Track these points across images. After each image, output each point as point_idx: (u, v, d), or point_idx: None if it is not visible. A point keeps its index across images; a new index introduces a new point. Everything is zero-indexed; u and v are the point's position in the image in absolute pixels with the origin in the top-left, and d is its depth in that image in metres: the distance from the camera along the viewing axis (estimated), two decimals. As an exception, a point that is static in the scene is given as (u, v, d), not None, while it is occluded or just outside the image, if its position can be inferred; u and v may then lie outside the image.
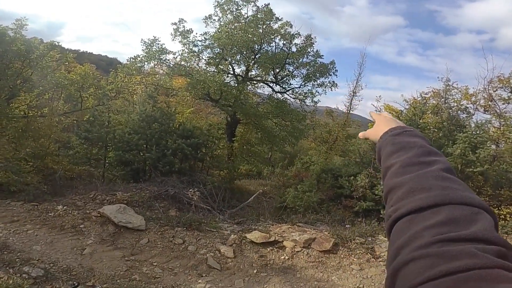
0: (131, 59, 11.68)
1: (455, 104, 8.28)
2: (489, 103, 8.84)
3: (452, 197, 0.46)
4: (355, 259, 4.78)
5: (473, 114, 8.25)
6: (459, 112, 7.89)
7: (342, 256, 4.83)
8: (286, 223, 6.06)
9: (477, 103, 8.96)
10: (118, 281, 3.76)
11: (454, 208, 0.45)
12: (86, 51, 72.70)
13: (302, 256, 4.77)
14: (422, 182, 0.51)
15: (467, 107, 8.37)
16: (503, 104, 9.03)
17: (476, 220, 0.43)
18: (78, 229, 4.69)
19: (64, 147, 9.70)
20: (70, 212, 5.04)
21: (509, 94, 8.73)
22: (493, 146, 6.98)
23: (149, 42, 11.55)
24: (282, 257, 4.73)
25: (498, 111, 8.78)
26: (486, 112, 8.97)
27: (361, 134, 0.87)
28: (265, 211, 8.01)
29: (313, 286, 4.14)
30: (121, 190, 6.28)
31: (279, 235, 5.18)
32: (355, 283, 4.25)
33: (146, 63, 11.81)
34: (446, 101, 8.32)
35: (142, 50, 11.57)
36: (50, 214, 4.98)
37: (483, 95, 8.85)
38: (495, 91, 8.93)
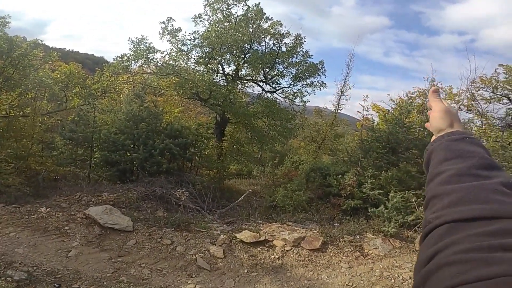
0: (118, 58, 11.47)
1: (440, 104, 8.48)
2: (472, 102, 9.12)
3: (511, 211, 0.41)
4: (344, 257, 4.83)
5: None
6: (443, 111, 8.08)
7: (331, 254, 4.88)
8: (276, 222, 6.07)
9: (460, 102, 9.24)
10: (105, 283, 3.68)
11: (510, 222, 0.40)
12: (72, 50, 71.06)
13: (292, 255, 4.78)
14: (477, 194, 0.46)
15: (452, 107, 8.56)
16: (485, 103, 9.34)
17: None
18: (62, 231, 4.55)
19: (47, 148, 9.41)
20: (54, 214, 4.89)
21: (491, 94, 9.03)
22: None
23: (137, 41, 11.37)
24: (273, 256, 4.74)
25: (480, 110, 9.07)
26: (469, 112, 9.26)
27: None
28: (255, 211, 8.00)
29: (303, 285, 4.16)
30: (107, 191, 6.14)
31: (269, 234, 5.18)
32: (344, 281, 4.29)
33: (133, 62, 11.62)
34: (431, 100, 8.51)
35: (130, 49, 11.38)
36: (33, 216, 4.82)
37: (466, 95, 9.13)
38: (477, 91, 9.23)
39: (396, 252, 5.01)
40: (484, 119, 8.83)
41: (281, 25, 12.81)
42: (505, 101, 9.31)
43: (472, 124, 8.05)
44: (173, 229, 5.08)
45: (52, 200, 5.43)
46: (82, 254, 4.13)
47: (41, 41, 8.84)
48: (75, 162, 8.62)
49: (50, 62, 10.23)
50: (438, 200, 0.49)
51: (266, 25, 12.71)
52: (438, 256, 0.39)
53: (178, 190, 7.16)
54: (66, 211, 5.06)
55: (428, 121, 0.72)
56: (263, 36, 12.67)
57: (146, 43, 11.41)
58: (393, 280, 4.30)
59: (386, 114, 9.40)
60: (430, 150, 0.63)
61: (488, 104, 9.15)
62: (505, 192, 0.46)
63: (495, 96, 9.19)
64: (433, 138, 0.67)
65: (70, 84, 9.95)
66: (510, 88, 8.89)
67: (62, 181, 7.93)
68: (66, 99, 10.21)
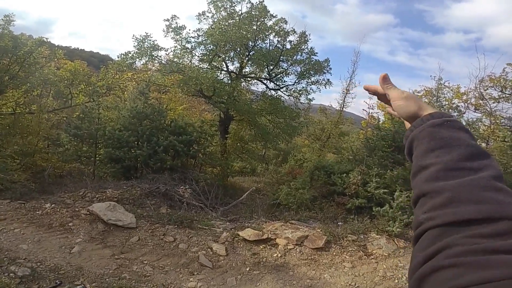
0: (122, 56, 11.49)
1: (447, 103, 8.37)
2: (480, 101, 8.97)
3: (507, 212, 0.40)
4: (347, 257, 4.78)
5: (464, 113, 8.36)
6: (450, 110, 7.98)
7: (334, 253, 4.84)
8: (279, 221, 6.05)
9: (468, 101, 9.09)
10: (107, 279, 3.70)
11: (506, 223, 0.39)
12: (78, 48, 71.66)
13: (294, 254, 4.76)
14: (468, 192, 0.44)
15: (458, 106, 8.47)
16: (493, 103, 9.17)
17: None
18: (66, 228, 4.59)
19: (53, 144, 9.50)
20: (59, 210, 4.93)
21: (500, 93, 8.87)
22: (484, 144, 7.07)
23: (141, 39, 11.36)
24: (275, 255, 4.72)
25: (488, 109, 8.91)
26: (476, 111, 9.10)
27: (367, 87, 0.73)
28: (258, 209, 7.99)
29: (306, 284, 4.13)
30: (112, 188, 6.18)
31: (272, 233, 5.16)
32: (347, 280, 4.26)
33: (137, 59, 11.63)
34: (438, 99, 8.41)
35: (134, 46, 11.39)
36: (37, 212, 4.87)
37: (474, 93, 8.98)
38: (486, 90, 9.07)
39: (400, 252, 4.95)
40: (492, 119, 8.68)
41: (285, 23, 12.73)
42: (514, 100, 9.13)
43: (480, 123, 7.92)
44: (176, 226, 5.09)
45: (57, 196, 5.47)
46: (85, 251, 4.16)
47: (46, 39, 8.92)
48: (80, 158, 8.69)
49: (56, 60, 10.30)
50: (428, 198, 0.47)
51: (270, 23, 12.64)
52: (432, 260, 0.38)
53: (182, 187, 7.18)
54: (70, 207, 5.10)
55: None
56: (267, 34, 12.59)
57: (150, 40, 11.41)
58: (396, 281, 4.25)
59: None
60: (411, 137, 0.58)
61: (496, 103, 8.99)
62: (498, 188, 0.44)
63: (504, 95, 9.03)
64: (407, 124, 0.63)
65: (75, 82, 10.01)
66: (518, 87, 8.72)
67: (68, 178, 8.02)
68: (71, 96, 10.28)
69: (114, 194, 5.79)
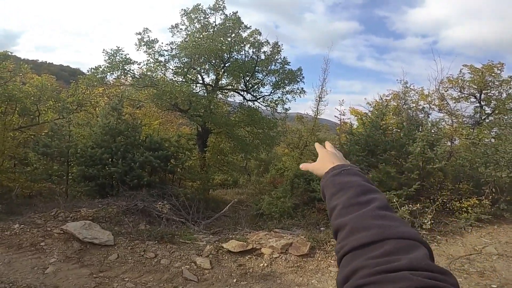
0: (92, 70, 11.17)
1: (414, 105, 8.90)
2: (442, 102, 9.61)
3: (388, 233, 0.53)
4: (332, 261, 4.83)
5: (430, 114, 8.91)
6: (417, 112, 8.48)
7: (319, 259, 4.87)
8: (263, 230, 6.02)
9: (432, 103, 9.71)
10: (86, 300, 3.46)
11: (391, 242, 0.51)
12: (46, 61, 68.38)
13: (280, 262, 4.73)
14: (361, 223, 0.57)
15: (424, 107, 9.04)
16: (454, 103, 9.86)
17: (410, 251, 0.50)
18: (38, 247, 4.26)
19: (20, 164, 8.90)
20: (28, 230, 4.58)
21: (458, 93, 9.56)
22: (448, 143, 7.53)
23: (112, 52, 11.14)
24: (261, 264, 4.66)
25: (450, 109, 9.56)
26: (440, 111, 9.74)
27: (303, 166, 0.90)
28: (242, 220, 7.90)
29: (294, 291, 4.11)
30: (86, 206, 5.87)
31: (256, 243, 5.11)
32: (335, 285, 4.28)
33: (109, 73, 11.36)
34: (406, 102, 8.92)
35: (105, 60, 11.13)
36: (6, 233, 4.51)
37: (436, 95, 9.62)
38: (446, 91, 9.75)
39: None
40: (454, 118, 9.31)
41: (260, 34, 13.01)
42: (472, 99, 9.90)
43: (443, 122, 8.46)
44: (156, 241, 4.90)
45: (26, 217, 5.09)
46: (60, 270, 3.87)
47: (11, 52, 8.49)
48: (51, 177, 8.20)
49: (21, 74, 9.80)
50: (340, 232, 0.60)
51: (245, 34, 12.85)
52: (350, 281, 0.49)
53: (159, 203, 6.97)
54: (41, 227, 4.76)
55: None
56: (242, 45, 12.76)
57: (122, 54, 11.21)
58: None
59: (363, 117, 9.71)
60: (322, 186, 0.74)
61: (457, 103, 9.67)
62: (381, 215, 0.58)
63: (463, 95, 9.74)
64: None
65: (43, 98, 9.53)
66: (475, 87, 9.46)
67: (37, 198, 7.52)
68: (39, 113, 9.76)
69: (89, 213, 5.50)
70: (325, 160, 0.81)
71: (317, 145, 0.91)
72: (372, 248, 0.52)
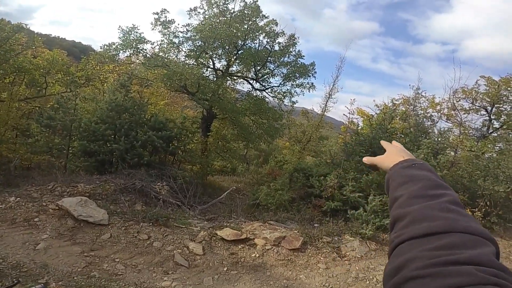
0: (105, 46, 11.11)
1: (422, 112, 8.74)
2: (452, 112, 9.43)
3: (454, 226, 0.49)
4: (322, 258, 4.86)
5: (437, 122, 8.77)
6: (424, 119, 8.34)
7: (310, 254, 4.90)
8: (258, 221, 6.05)
9: (441, 111, 9.53)
10: (75, 278, 3.53)
11: (456, 235, 0.48)
12: (58, 36, 67.91)
13: (272, 254, 4.77)
14: (426, 213, 0.54)
15: (432, 115, 8.88)
16: (464, 114, 9.68)
17: (475, 246, 0.46)
18: (31, 223, 4.33)
19: (22, 135, 8.96)
20: (24, 204, 4.64)
21: (470, 105, 9.36)
22: (452, 153, 7.45)
23: (127, 30, 11.05)
24: (253, 255, 4.71)
25: (459, 120, 9.39)
26: (448, 121, 9.56)
27: (366, 159, 0.87)
28: (238, 208, 7.95)
29: (282, 284, 4.15)
30: (84, 182, 5.91)
31: (250, 233, 5.15)
32: (322, 281, 4.32)
33: (121, 51, 11.29)
34: (415, 108, 8.76)
35: (119, 37, 11.04)
36: (0, 206, 4.57)
37: (447, 104, 9.43)
38: (458, 101, 9.55)
39: (372, 254, 5.10)
40: (462, 129, 9.15)
41: (276, 24, 12.77)
42: (483, 112, 9.71)
43: (450, 133, 8.34)
44: (151, 224, 4.96)
45: (23, 190, 5.15)
46: (51, 247, 3.94)
47: (26, 25, 8.44)
48: (51, 150, 8.26)
49: (34, 47, 9.76)
50: (399, 222, 0.57)
51: (261, 23, 12.63)
52: (401, 272, 0.45)
53: (158, 183, 7.01)
54: (37, 201, 4.83)
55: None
56: (257, 34, 12.57)
57: (136, 32, 11.11)
58: (367, 282, 4.37)
59: (370, 119, 9.57)
60: (387, 177, 0.72)
61: (467, 114, 9.49)
62: (450, 209, 0.54)
63: (474, 107, 9.55)
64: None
65: (52, 71, 9.50)
66: (488, 100, 9.26)
67: (36, 170, 7.59)
68: (46, 85, 9.75)
69: (86, 189, 5.55)
70: (394, 154, 0.78)
71: (383, 142, 0.88)
72: (433, 239, 0.48)
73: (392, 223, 0.59)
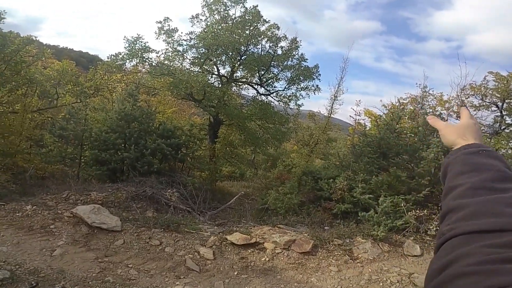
0: (112, 57, 11.38)
1: (431, 110, 8.65)
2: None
3: None
4: (333, 261, 4.83)
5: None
6: (433, 117, 8.22)
7: (321, 257, 4.87)
8: (267, 225, 6.05)
9: (450, 109, 9.40)
10: (90, 283, 3.60)
11: None
12: (66, 47, 70.22)
13: (282, 258, 4.76)
14: (489, 207, 0.48)
15: (441, 113, 8.76)
16: (474, 111, 9.52)
17: None
18: (48, 230, 4.45)
19: (36, 145, 9.22)
20: (40, 212, 4.78)
21: (480, 101, 9.22)
22: (464, 151, 7.31)
23: (132, 40, 11.30)
24: (263, 259, 4.71)
25: (469, 117, 9.19)
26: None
27: (431, 119, 0.79)
28: (247, 213, 7.97)
29: (293, 287, 4.14)
30: (96, 190, 6.04)
31: (260, 237, 5.16)
32: (333, 284, 4.29)
33: (128, 61, 11.55)
34: (423, 106, 8.67)
35: (125, 47, 11.31)
36: (17, 214, 4.70)
37: (456, 101, 9.31)
38: (467, 98, 9.41)
39: (384, 256, 5.04)
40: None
41: (278, 28, 12.89)
42: (494, 108, 9.53)
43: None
44: (162, 229, 5.02)
45: (39, 198, 5.30)
46: (67, 253, 4.04)
47: (35, 37, 8.73)
48: (64, 160, 8.47)
49: (43, 59, 10.09)
50: (453, 213, 0.51)
51: (263, 28, 12.76)
52: (451, 267, 0.41)
53: (169, 190, 7.10)
54: (52, 209, 4.96)
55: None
56: (259, 39, 12.70)
57: (141, 42, 11.36)
58: (381, 284, 4.32)
59: (378, 120, 9.51)
60: (446, 163, 0.64)
61: (477, 111, 9.33)
62: None
63: (484, 104, 9.39)
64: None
65: (62, 81, 9.79)
66: (498, 96, 9.09)
67: (50, 179, 7.78)
68: (58, 96, 10.04)
69: (98, 197, 5.67)
70: (460, 131, 0.69)
71: (463, 109, 0.77)
72: (494, 236, 0.43)
73: (444, 214, 0.53)
